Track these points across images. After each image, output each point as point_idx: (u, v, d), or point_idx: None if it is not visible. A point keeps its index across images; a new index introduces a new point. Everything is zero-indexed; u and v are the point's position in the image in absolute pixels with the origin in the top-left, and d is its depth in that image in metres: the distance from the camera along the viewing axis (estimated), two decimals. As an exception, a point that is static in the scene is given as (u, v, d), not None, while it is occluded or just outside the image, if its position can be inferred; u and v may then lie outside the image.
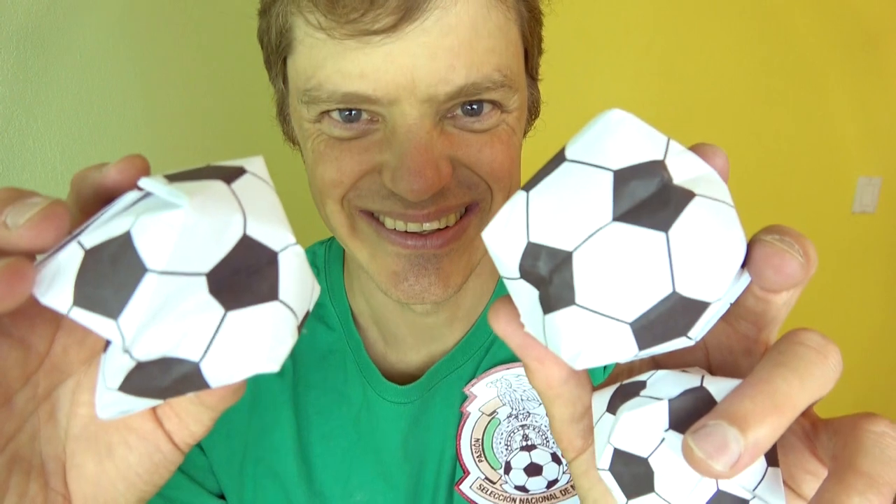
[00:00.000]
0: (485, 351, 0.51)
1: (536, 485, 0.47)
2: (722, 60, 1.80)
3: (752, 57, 1.79)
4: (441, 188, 0.39)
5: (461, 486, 0.49)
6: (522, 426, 0.48)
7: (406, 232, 0.42)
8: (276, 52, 0.44)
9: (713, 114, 1.84)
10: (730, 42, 1.79)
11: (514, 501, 0.47)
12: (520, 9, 0.41)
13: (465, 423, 0.48)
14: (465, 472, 0.48)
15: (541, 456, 0.47)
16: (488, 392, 0.48)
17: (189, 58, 1.24)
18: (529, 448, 0.47)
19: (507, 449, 0.48)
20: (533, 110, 0.49)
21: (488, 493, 0.48)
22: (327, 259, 0.57)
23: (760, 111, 1.83)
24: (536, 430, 0.48)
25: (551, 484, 0.47)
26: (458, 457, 0.48)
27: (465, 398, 0.49)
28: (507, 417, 0.48)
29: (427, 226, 0.42)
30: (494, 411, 0.48)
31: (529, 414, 0.47)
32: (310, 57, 0.38)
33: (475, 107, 0.40)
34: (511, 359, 0.49)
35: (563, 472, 0.48)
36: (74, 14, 0.92)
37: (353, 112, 0.39)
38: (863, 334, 1.99)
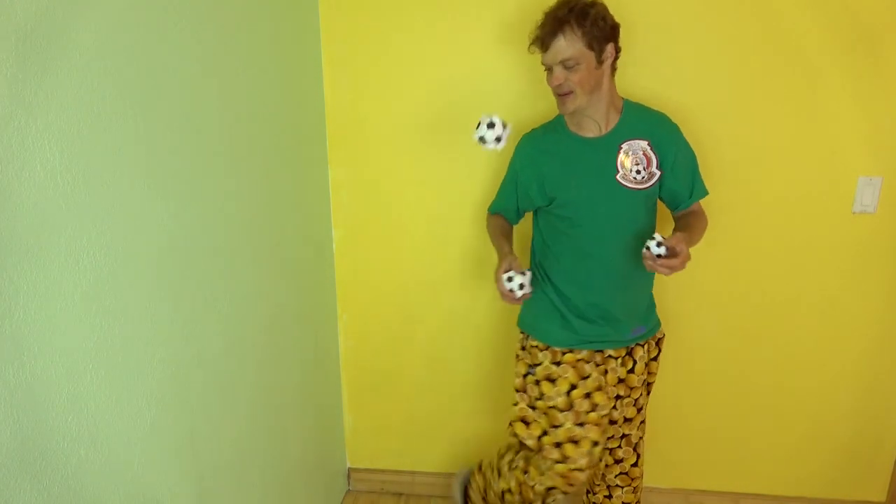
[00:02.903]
0: (625, 133, 1.59)
1: (640, 176, 1.58)
2: (722, 61, 1.81)
3: (753, 57, 1.79)
4: (560, 84, 1.51)
5: (617, 177, 1.58)
6: (636, 157, 1.57)
7: (559, 95, 1.54)
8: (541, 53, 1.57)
9: (713, 114, 1.84)
10: (730, 42, 1.79)
11: (631, 181, 1.58)
12: (581, 36, 1.47)
13: (619, 153, 1.58)
14: (618, 171, 1.57)
15: (641, 169, 1.58)
16: (625, 145, 1.58)
17: (188, 57, 1.24)
18: (639, 164, 1.58)
19: (629, 163, 1.58)
20: (605, 61, 1.53)
21: (625, 178, 1.57)
22: (556, 120, 1.68)
23: (761, 111, 1.83)
24: (641, 158, 1.58)
25: (642, 178, 1.58)
26: (616, 164, 1.57)
27: (620, 145, 1.58)
28: (632, 153, 1.58)
29: (562, 91, 1.53)
30: (627, 151, 1.58)
31: (637, 153, 1.58)
32: (542, 56, 1.54)
33: (569, 64, 1.49)
34: (634, 137, 1.58)
35: (647, 172, 1.58)
36: (74, 14, 0.92)
37: (546, 69, 1.55)
38: (863, 334, 1.99)
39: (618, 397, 1.71)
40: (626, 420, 1.74)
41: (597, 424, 1.61)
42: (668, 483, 2.19)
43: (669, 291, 1.98)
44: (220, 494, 1.40)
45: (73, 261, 0.94)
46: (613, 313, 1.64)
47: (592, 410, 1.61)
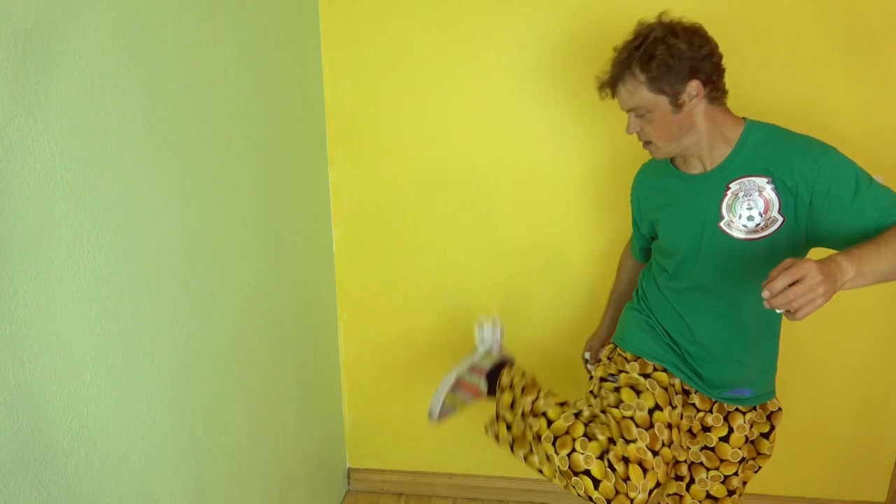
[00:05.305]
0: (735, 170, 1.30)
1: (751, 224, 1.27)
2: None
3: (752, 57, 1.79)
4: (637, 134, 1.34)
5: (720, 224, 1.30)
6: (749, 200, 1.27)
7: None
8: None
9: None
10: (729, 42, 1.79)
11: (741, 230, 1.29)
12: (646, 81, 1.25)
13: (726, 195, 1.30)
14: (721, 217, 1.30)
15: (756, 215, 1.27)
16: (735, 185, 1.29)
17: (188, 57, 1.24)
18: (752, 209, 1.27)
19: (740, 208, 1.28)
20: (686, 102, 1.27)
21: (730, 226, 1.30)
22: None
23: (761, 111, 1.83)
24: (756, 201, 1.26)
25: (756, 227, 1.27)
26: (720, 209, 1.30)
27: (727, 185, 1.29)
28: (742, 196, 1.28)
29: (641, 140, 1.36)
30: (736, 193, 1.28)
31: (750, 196, 1.27)
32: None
33: (640, 113, 1.30)
34: (748, 173, 1.28)
35: (764, 219, 1.27)
36: (74, 14, 0.92)
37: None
38: (863, 334, 1.99)
39: (700, 465, 1.46)
40: (708, 497, 1.45)
41: (666, 463, 1.29)
42: (668, 483, 2.19)
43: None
44: (220, 494, 1.40)
45: (73, 261, 0.94)
46: (711, 369, 1.41)
47: (668, 446, 1.30)
